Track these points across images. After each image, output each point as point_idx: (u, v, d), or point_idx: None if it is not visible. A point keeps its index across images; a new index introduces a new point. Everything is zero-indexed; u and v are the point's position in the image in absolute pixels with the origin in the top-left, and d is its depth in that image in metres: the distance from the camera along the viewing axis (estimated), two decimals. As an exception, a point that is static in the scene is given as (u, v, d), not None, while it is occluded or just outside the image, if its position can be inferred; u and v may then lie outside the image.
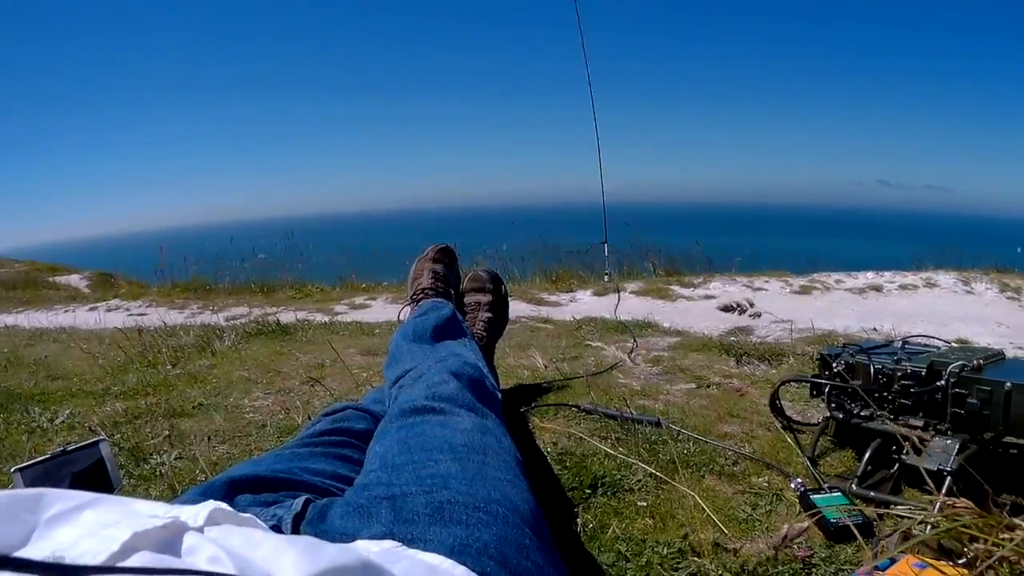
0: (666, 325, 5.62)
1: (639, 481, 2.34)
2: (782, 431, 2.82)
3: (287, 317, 6.11)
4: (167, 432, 2.89)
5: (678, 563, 1.90)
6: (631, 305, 7.15)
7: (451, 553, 1.17)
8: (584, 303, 7.57)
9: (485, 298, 3.10)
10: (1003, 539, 1.34)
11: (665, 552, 1.94)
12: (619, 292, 7.27)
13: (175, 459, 2.66)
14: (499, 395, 2.26)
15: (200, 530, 0.89)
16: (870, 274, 9.22)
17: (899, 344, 2.82)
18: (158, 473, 2.54)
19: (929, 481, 2.02)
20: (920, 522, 1.72)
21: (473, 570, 1.15)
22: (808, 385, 2.79)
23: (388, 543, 1.17)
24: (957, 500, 1.55)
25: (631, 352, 4.16)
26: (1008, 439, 2.35)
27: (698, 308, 7.41)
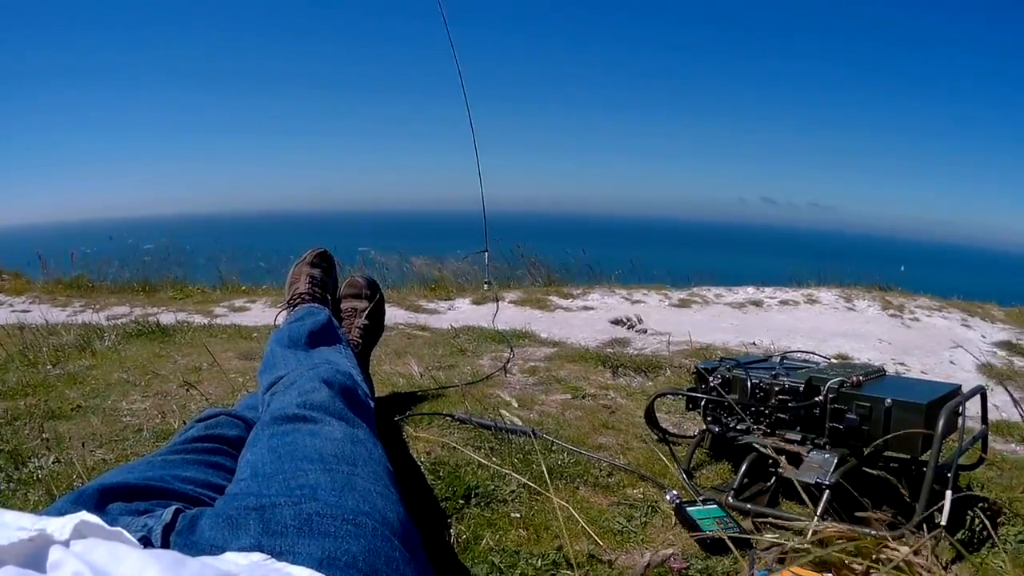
0: (543, 335, 5.68)
1: (513, 492, 2.36)
2: (658, 443, 2.87)
3: (167, 318, 6.02)
4: (45, 436, 2.83)
5: (552, 575, 1.92)
6: (509, 315, 7.20)
7: (319, 566, 1.18)
8: (463, 311, 7.59)
9: (362, 304, 3.13)
10: (884, 559, 1.39)
11: (539, 564, 1.96)
12: (497, 301, 7.32)
13: (53, 463, 2.60)
14: (372, 404, 2.29)
15: (66, 543, 0.89)
16: (750, 289, 9.42)
17: (777, 359, 2.90)
18: (36, 478, 2.48)
19: (804, 495, 2.07)
20: (798, 536, 1.76)
21: None
22: (684, 398, 2.85)
23: (256, 556, 1.18)
24: (832, 524, 1.60)
25: (507, 362, 4.19)
26: (889, 453, 2.43)
27: (578, 319, 7.48)
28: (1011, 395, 2.56)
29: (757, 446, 2.45)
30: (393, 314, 6.44)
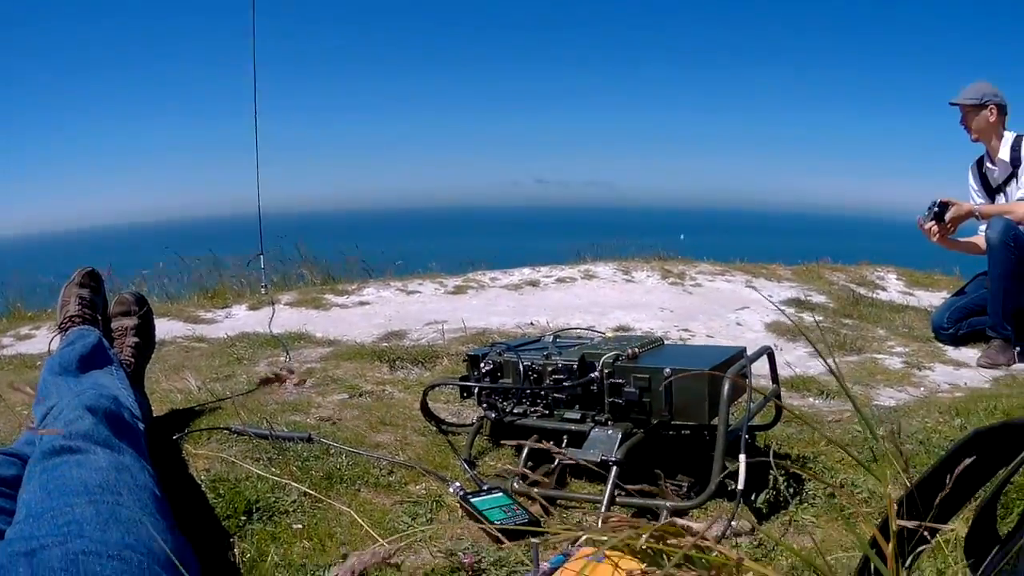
0: (320, 335, 5.63)
1: (294, 502, 2.32)
2: (437, 435, 2.87)
3: (-48, 351, 5.73)
4: None
5: (340, 585, 1.89)
6: (286, 317, 7.09)
7: None
8: (239, 318, 7.44)
9: (131, 322, 3.08)
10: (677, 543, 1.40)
11: (326, 575, 1.93)
12: (273, 305, 7.21)
13: None
14: (142, 426, 2.25)
15: None
16: (526, 270, 9.51)
17: (550, 338, 2.92)
18: None
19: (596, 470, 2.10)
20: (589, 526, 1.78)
21: None
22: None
23: None
24: (619, 515, 1.61)
25: (282, 367, 4.12)
26: (679, 422, 2.46)
27: (354, 315, 7.43)
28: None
29: (540, 425, 2.47)
30: (170, 327, 6.30)
